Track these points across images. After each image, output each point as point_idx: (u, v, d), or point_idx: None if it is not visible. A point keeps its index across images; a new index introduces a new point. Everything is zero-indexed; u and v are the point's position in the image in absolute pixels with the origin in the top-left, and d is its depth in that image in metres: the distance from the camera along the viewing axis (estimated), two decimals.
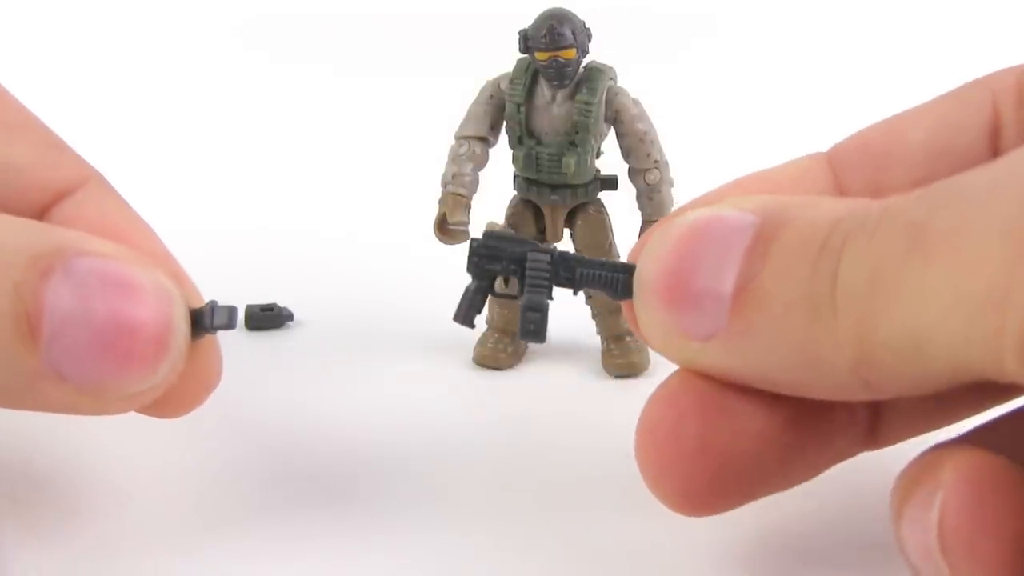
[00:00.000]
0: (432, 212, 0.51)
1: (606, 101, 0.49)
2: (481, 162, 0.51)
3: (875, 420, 0.36)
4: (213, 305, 0.35)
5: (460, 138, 0.51)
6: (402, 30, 1.06)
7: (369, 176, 0.76)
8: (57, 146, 0.42)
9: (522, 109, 0.50)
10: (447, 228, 0.50)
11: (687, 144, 0.55)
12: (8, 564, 0.37)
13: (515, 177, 0.51)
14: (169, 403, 0.37)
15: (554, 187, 0.50)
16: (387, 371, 0.52)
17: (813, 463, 0.35)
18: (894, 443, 0.37)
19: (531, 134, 0.50)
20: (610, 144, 0.51)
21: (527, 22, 0.49)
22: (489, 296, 0.49)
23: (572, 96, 0.49)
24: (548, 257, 0.37)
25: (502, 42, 0.53)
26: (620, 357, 0.52)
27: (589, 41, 0.49)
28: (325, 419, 0.47)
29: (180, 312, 0.34)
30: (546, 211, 0.51)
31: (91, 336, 0.32)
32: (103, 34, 1.04)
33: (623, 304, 0.36)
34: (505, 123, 0.51)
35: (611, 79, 0.50)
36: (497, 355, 0.53)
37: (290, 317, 0.56)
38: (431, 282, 0.55)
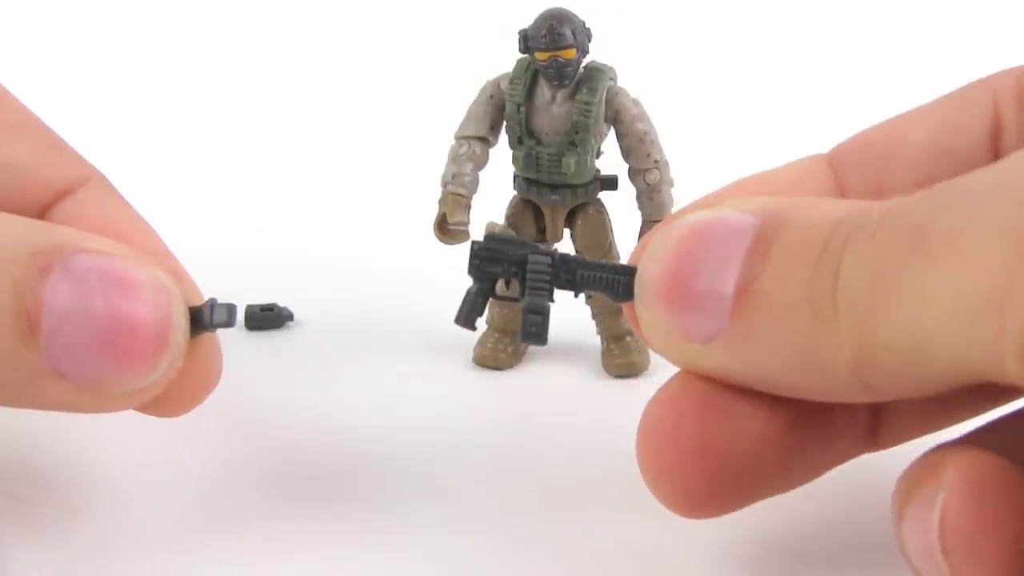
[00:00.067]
0: (432, 212, 0.51)
1: (606, 101, 0.49)
2: (481, 162, 0.51)
3: (875, 422, 0.36)
4: (212, 303, 0.35)
5: (460, 138, 0.51)
6: (402, 30, 1.06)
7: (369, 176, 0.76)
8: (58, 146, 0.42)
9: (522, 109, 0.50)
10: (447, 228, 0.50)
11: (687, 144, 0.55)
12: (8, 563, 0.37)
13: (515, 177, 0.51)
14: (169, 401, 0.37)
15: (554, 187, 0.50)
16: (387, 371, 0.52)
17: (813, 465, 0.35)
18: (895, 445, 0.37)
19: (531, 134, 0.50)
20: (610, 144, 0.51)
21: (527, 22, 0.49)
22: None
23: (572, 96, 0.49)
24: (549, 259, 0.37)
25: (502, 42, 0.53)
26: (620, 357, 0.52)
27: (589, 41, 0.49)
28: (325, 419, 0.47)
29: (179, 309, 0.34)
30: (546, 211, 0.51)
31: (90, 333, 0.32)
32: (103, 34, 1.04)
33: (624, 306, 0.36)
34: (505, 123, 0.51)
35: (611, 79, 0.50)
36: (497, 355, 0.53)
37: (290, 317, 0.56)
38: (431, 282, 0.55)
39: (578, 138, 0.49)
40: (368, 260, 0.63)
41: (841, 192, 0.38)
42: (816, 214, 0.30)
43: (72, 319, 0.32)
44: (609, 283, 0.36)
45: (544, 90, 0.49)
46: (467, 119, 0.51)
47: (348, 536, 0.39)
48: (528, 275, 0.38)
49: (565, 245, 0.52)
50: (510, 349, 0.52)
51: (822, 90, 0.93)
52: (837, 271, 0.28)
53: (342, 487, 0.42)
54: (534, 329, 0.38)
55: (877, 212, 0.29)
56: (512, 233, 0.51)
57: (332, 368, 0.52)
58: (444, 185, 0.51)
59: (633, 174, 0.51)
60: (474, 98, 0.51)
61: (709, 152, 0.70)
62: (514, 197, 0.52)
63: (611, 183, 0.51)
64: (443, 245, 0.51)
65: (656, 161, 0.50)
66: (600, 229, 0.52)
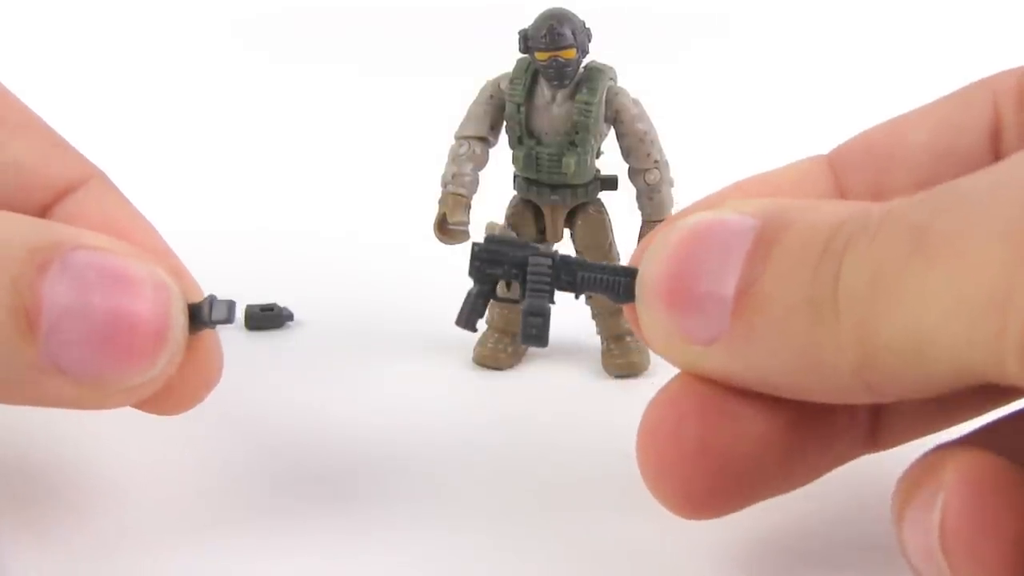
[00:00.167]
0: (432, 212, 0.51)
1: (606, 101, 0.49)
2: (481, 162, 0.51)
3: (876, 423, 0.36)
4: (212, 299, 0.35)
5: (460, 138, 0.51)
6: (402, 30, 1.06)
7: (369, 176, 0.76)
8: (59, 144, 0.42)
9: (522, 109, 0.50)
10: (447, 228, 0.50)
11: (687, 144, 0.55)
12: (7, 562, 0.37)
13: (515, 177, 0.51)
14: (170, 399, 0.37)
15: (554, 187, 0.50)
16: (387, 371, 0.52)
17: (814, 466, 0.35)
18: (895, 446, 0.37)
19: (531, 134, 0.50)
20: (610, 144, 0.51)
21: (527, 22, 0.49)
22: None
23: (572, 96, 0.49)
24: (550, 261, 0.37)
25: (502, 42, 0.53)
26: (620, 357, 0.52)
27: (589, 41, 0.49)
28: (325, 419, 0.47)
29: (178, 305, 0.34)
30: (546, 211, 0.51)
31: (89, 329, 0.32)
32: (103, 34, 1.04)
33: (625, 307, 0.36)
34: (505, 123, 0.51)
35: (611, 79, 0.50)
36: (497, 355, 0.53)
37: (290, 317, 0.56)
38: (431, 282, 0.55)
39: (578, 138, 0.49)
40: (368, 260, 0.63)
41: (841, 193, 0.38)
42: (817, 216, 0.30)
43: (71, 315, 0.32)
44: (610, 285, 0.36)
45: (544, 90, 0.49)
46: (467, 119, 0.51)
47: (348, 535, 0.39)
48: (528, 277, 0.38)
49: (565, 245, 0.52)
50: (510, 349, 0.52)
51: (822, 90, 0.93)
52: (838, 272, 0.28)
53: (342, 487, 0.42)
54: (535, 331, 0.38)
55: (878, 213, 0.29)
56: (512, 233, 0.51)
57: (332, 368, 0.52)
58: (444, 185, 0.51)
59: (633, 174, 0.51)
60: (474, 98, 0.51)
61: (709, 152, 0.70)
62: (514, 197, 0.52)
63: (611, 183, 0.51)
64: (443, 245, 0.51)
65: (656, 161, 0.50)
66: (600, 229, 0.52)
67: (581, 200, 0.51)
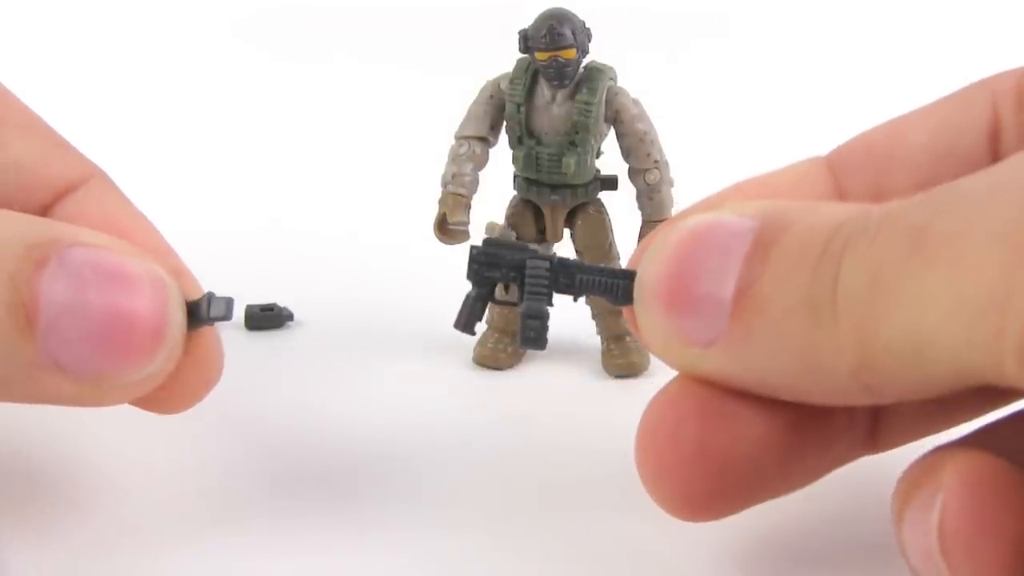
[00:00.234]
0: (432, 212, 0.51)
1: (606, 101, 0.49)
2: (481, 162, 0.51)
3: (875, 424, 0.36)
4: (210, 296, 0.35)
5: (460, 138, 0.51)
6: (402, 30, 1.06)
7: (369, 176, 0.76)
8: (59, 144, 0.42)
9: (522, 109, 0.50)
10: (447, 228, 0.50)
11: (687, 144, 0.55)
12: (8, 560, 0.37)
13: (515, 177, 0.51)
14: (170, 398, 0.37)
15: (554, 187, 0.50)
16: (387, 371, 0.52)
17: (813, 468, 0.35)
18: (894, 447, 0.37)
19: (531, 134, 0.50)
20: (610, 144, 0.51)
21: (527, 22, 0.49)
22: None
23: (572, 96, 0.49)
24: (547, 264, 0.37)
25: (502, 42, 0.53)
26: (620, 357, 0.52)
27: (589, 41, 0.49)
28: (325, 419, 0.47)
29: (175, 301, 0.34)
30: (546, 211, 0.51)
31: (87, 326, 0.32)
32: (104, 33, 1.04)
33: (624, 309, 0.36)
34: (505, 123, 0.51)
35: (611, 79, 0.50)
36: (497, 355, 0.53)
37: (290, 317, 0.56)
38: (431, 282, 0.55)
39: (578, 138, 0.49)
40: (368, 260, 0.63)
41: (840, 195, 0.38)
42: (815, 217, 0.30)
43: (69, 312, 0.32)
44: (608, 287, 0.36)
45: (544, 90, 0.49)
46: (467, 119, 0.51)
47: (348, 535, 0.39)
48: (526, 280, 0.38)
49: (565, 245, 0.52)
50: (510, 349, 0.52)
51: (822, 91, 0.93)
52: (836, 274, 0.28)
53: (342, 487, 0.42)
54: (533, 334, 0.38)
55: (877, 215, 0.29)
56: (512, 233, 0.51)
57: (332, 368, 0.52)
58: (444, 185, 0.51)
59: (633, 174, 0.51)
60: (474, 98, 0.51)
61: (709, 152, 0.70)
62: (514, 197, 0.52)
63: (611, 183, 0.51)
64: (443, 245, 0.51)
65: (656, 161, 0.50)
66: (600, 229, 0.52)
67: (581, 200, 0.51)
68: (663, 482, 0.33)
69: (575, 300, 0.39)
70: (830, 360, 0.29)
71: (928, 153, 0.37)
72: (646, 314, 0.33)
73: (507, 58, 0.50)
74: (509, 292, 0.46)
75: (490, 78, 0.51)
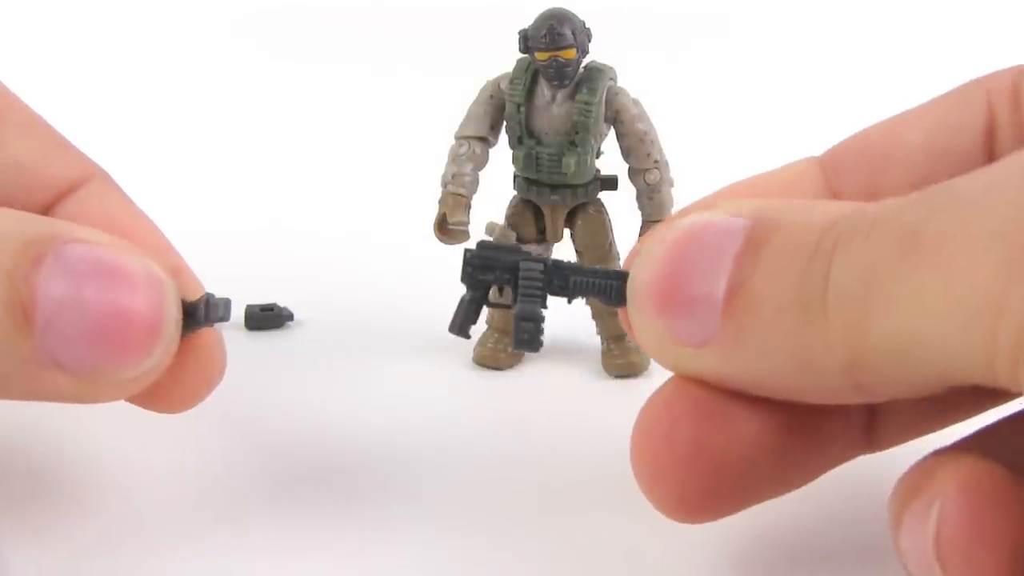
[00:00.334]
0: (432, 212, 0.51)
1: (606, 101, 0.49)
2: (481, 162, 0.51)
3: (871, 423, 0.36)
4: (208, 297, 0.35)
5: (460, 138, 0.51)
6: (402, 30, 1.06)
7: (369, 176, 0.76)
8: (61, 144, 0.42)
9: (522, 109, 0.50)
10: (447, 228, 0.50)
11: (687, 144, 0.55)
12: (8, 561, 0.37)
13: (515, 177, 0.51)
14: (173, 396, 0.37)
15: (554, 187, 0.51)
16: (387, 371, 0.52)
17: (809, 468, 0.35)
18: (891, 446, 0.37)
19: (531, 134, 0.50)
20: (610, 144, 0.51)
21: (527, 22, 0.49)
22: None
23: (572, 96, 0.49)
24: (541, 266, 0.37)
25: (502, 42, 0.53)
26: (620, 357, 0.52)
27: (589, 41, 0.49)
28: (325, 419, 0.47)
29: (171, 298, 0.34)
30: (546, 211, 0.52)
31: (84, 323, 0.32)
32: (105, 33, 1.04)
33: (620, 311, 0.36)
34: (505, 123, 0.51)
35: (611, 79, 0.50)
36: (497, 355, 0.53)
37: (290, 317, 0.56)
38: (431, 282, 0.55)
39: (578, 138, 0.49)
40: (368, 260, 0.63)
41: (833, 195, 0.38)
42: (808, 216, 0.30)
43: (66, 309, 0.32)
44: (602, 289, 0.36)
45: (544, 90, 0.50)
46: (467, 119, 0.51)
47: (348, 535, 0.39)
48: (520, 282, 0.38)
49: (565, 245, 0.52)
50: (510, 349, 0.52)
51: (822, 90, 0.93)
52: (827, 272, 0.28)
53: (342, 486, 0.42)
54: (527, 336, 0.38)
55: (870, 214, 0.28)
56: (512, 234, 0.51)
57: (332, 368, 0.52)
58: (444, 185, 0.51)
59: (633, 174, 0.51)
60: (474, 98, 0.51)
61: (709, 152, 0.70)
62: (514, 197, 0.52)
63: (611, 183, 0.51)
64: (443, 245, 0.51)
65: (656, 161, 0.50)
66: (600, 229, 0.52)
67: (581, 200, 0.51)
68: (658, 483, 0.33)
69: (569, 302, 0.39)
70: (821, 358, 0.29)
71: (924, 152, 0.37)
72: (639, 315, 0.33)
73: (507, 58, 0.50)
74: (503, 295, 0.46)
75: (490, 78, 0.51)
